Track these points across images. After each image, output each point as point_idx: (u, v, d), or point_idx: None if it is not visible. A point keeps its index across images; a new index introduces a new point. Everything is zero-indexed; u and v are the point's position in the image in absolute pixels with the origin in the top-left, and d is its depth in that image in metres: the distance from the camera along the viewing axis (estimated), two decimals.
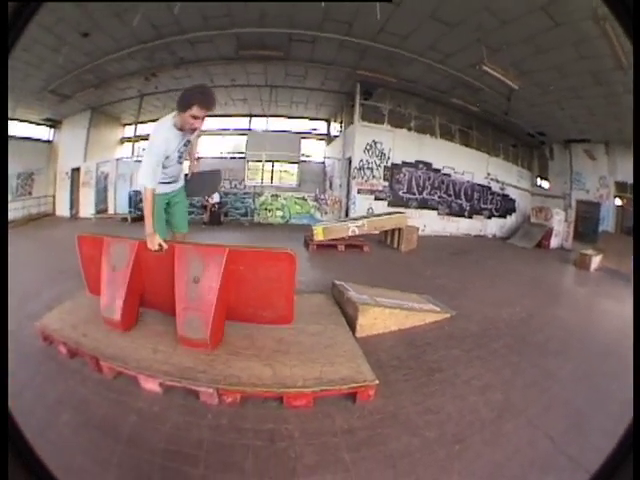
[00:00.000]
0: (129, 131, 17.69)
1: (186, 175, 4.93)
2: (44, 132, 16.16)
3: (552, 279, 10.87)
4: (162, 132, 4.18)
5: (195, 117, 4.02)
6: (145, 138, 16.46)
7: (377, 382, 3.57)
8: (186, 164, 4.90)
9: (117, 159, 16.48)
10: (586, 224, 17.40)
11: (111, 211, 15.28)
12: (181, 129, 4.19)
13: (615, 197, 17.08)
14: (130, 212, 14.49)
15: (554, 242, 17.07)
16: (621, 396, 3.56)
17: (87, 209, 15.37)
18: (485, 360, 4.63)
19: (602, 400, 3.87)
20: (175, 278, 3.94)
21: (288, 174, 18.74)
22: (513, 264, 12.33)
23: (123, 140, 17.86)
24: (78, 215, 15.72)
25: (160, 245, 4.09)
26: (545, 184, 20.27)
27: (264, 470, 2.73)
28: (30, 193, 15.21)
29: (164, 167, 4.30)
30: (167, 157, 4.24)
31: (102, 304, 4.23)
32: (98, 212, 15.13)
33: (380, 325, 5.06)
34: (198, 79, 14.98)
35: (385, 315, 5.12)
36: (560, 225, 17.66)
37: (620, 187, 17.12)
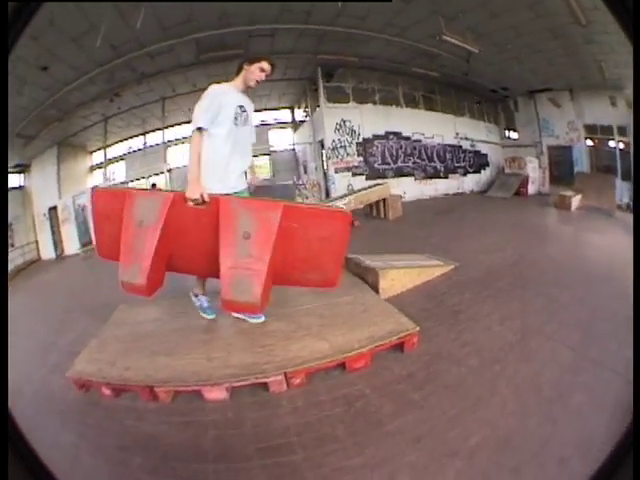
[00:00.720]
0: (97, 157, 17.04)
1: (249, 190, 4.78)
2: (15, 179, 15.86)
3: (535, 222, 11.68)
4: (217, 86, 4.22)
5: (262, 70, 4.27)
6: (114, 162, 16.86)
7: (418, 329, 4.08)
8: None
9: (92, 188, 15.96)
10: (560, 167, 17.92)
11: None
12: (244, 83, 4.33)
13: (586, 139, 17.50)
14: None
15: (531, 189, 17.61)
16: (620, 310, 4.22)
17: (72, 245, 14.73)
18: (495, 297, 5.31)
19: (605, 312, 4.52)
20: (220, 233, 3.63)
21: (261, 167, 18.40)
22: (495, 214, 13.50)
23: (93, 168, 17.14)
24: (64, 254, 15.28)
25: (202, 196, 3.77)
26: (514, 135, 20.72)
27: (355, 430, 3.02)
28: (12, 245, 14.38)
29: (218, 126, 4.09)
30: (221, 108, 4.07)
31: (122, 266, 3.86)
32: (84, 245, 14.39)
33: (398, 285, 5.60)
34: (160, 91, 15.51)
35: (401, 275, 5.67)
36: (535, 172, 18.20)
37: (589, 129, 17.55)
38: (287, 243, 3.68)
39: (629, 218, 8.90)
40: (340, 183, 15.35)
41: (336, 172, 15.80)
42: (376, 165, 16.88)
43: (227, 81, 4.40)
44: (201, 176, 3.93)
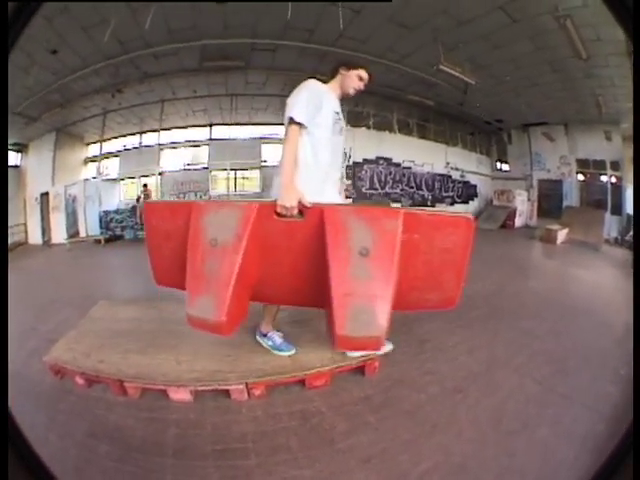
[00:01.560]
0: (93, 150, 17.04)
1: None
2: (12, 157, 15.83)
3: (519, 254, 11.69)
4: (318, 83, 3.78)
5: (361, 79, 3.96)
6: (108, 157, 16.83)
7: (381, 353, 3.94)
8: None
9: (84, 180, 16.11)
10: (549, 201, 18.03)
11: (83, 234, 14.85)
12: (341, 89, 3.98)
13: (577, 173, 17.73)
14: (102, 233, 14.44)
15: (518, 221, 17.63)
16: (599, 344, 4.47)
17: (59, 234, 14.81)
18: (466, 327, 5.21)
19: (580, 346, 4.58)
20: (329, 251, 2.83)
21: (250, 180, 18.46)
22: (479, 244, 12.29)
23: (87, 160, 17.00)
24: (51, 242, 15.01)
25: (300, 204, 3.05)
26: (505, 167, 20.86)
27: (308, 444, 3.08)
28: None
29: (317, 127, 3.58)
30: (321, 108, 3.61)
31: (190, 297, 3.10)
32: (71, 236, 14.65)
33: None
34: (161, 93, 15.50)
35: None
36: (523, 205, 18.27)
37: (581, 164, 17.79)
38: (407, 259, 2.96)
39: (616, 252, 9.21)
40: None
41: None
42: (364, 189, 16.96)
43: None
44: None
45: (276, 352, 4.01)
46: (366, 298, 2.77)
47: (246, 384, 3.57)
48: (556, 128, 18.47)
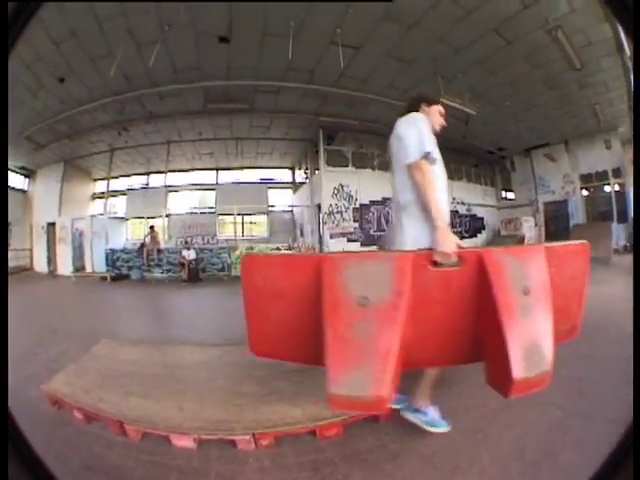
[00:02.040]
0: (100, 187, 17.96)
1: None
2: (19, 180, 16.19)
3: None
4: (422, 117, 3.34)
5: (442, 115, 3.63)
6: (116, 195, 17.62)
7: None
8: None
9: (91, 216, 16.58)
10: (557, 222, 18.13)
11: (89, 269, 15.20)
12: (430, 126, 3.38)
13: (581, 189, 17.95)
14: (108, 270, 14.53)
15: None
16: (615, 355, 4.31)
17: (65, 267, 15.26)
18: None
19: (598, 362, 4.50)
20: (497, 296, 2.53)
21: (258, 225, 19.11)
22: None
23: (95, 196, 18.09)
24: (56, 272, 15.63)
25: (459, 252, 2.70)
26: (510, 195, 21.17)
27: None
28: (9, 244, 14.80)
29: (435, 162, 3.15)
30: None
31: (334, 373, 2.44)
32: (76, 270, 15.03)
33: None
34: (167, 134, 15.83)
35: None
36: (531, 231, 18.27)
37: (585, 179, 18.05)
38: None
39: (625, 260, 8.84)
40: (334, 248, 15.06)
41: (331, 237, 15.74)
42: (371, 232, 16.82)
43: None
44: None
45: (430, 428, 3.48)
46: (535, 336, 2.58)
47: (253, 434, 3.38)
48: (557, 147, 18.68)
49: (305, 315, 2.64)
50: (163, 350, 5.26)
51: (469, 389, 4.27)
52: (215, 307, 10.29)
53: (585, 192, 17.86)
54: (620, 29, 10.03)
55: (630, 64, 11.25)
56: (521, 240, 17.46)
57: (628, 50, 10.90)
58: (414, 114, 3.35)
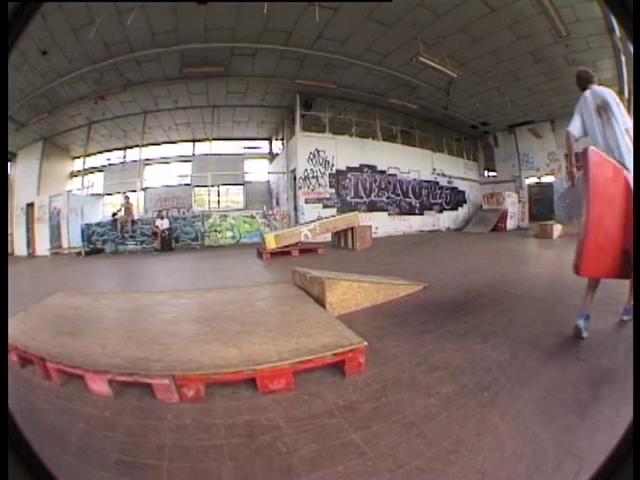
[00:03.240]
0: (79, 165, 16.90)
1: None
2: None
3: (516, 249, 10.69)
4: None
5: None
6: (94, 171, 16.70)
7: (366, 344, 2.85)
8: None
9: (68, 191, 15.46)
10: (540, 206, 17.12)
11: (65, 245, 14.17)
12: None
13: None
14: (84, 246, 13.61)
15: (510, 224, 16.86)
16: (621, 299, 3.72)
17: (43, 246, 14.28)
18: (475, 315, 4.10)
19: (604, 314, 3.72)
20: None
21: (234, 196, 18.18)
22: (473, 245, 12.08)
23: (73, 174, 17.00)
24: (35, 253, 14.60)
25: None
26: (492, 173, 20.34)
27: (249, 474, 1.91)
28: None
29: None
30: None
31: None
32: (53, 248, 14.08)
33: (351, 301, 4.39)
34: (143, 103, 14.91)
35: (354, 289, 4.43)
36: (514, 206, 17.55)
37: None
38: None
39: None
40: (310, 214, 14.02)
41: (306, 202, 14.80)
42: (348, 198, 15.86)
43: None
44: None
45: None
46: None
47: (174, 381, 2.55)
48: (542, 125, 17.72)
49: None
50: (111, 297, 5.08)
51: (462, 340, 3.42)
52: (180, 270, 9.59)
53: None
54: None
55: (620, 45, 10.72)
56: (504, 215, 16.83)
57: (619, 32, 10.28)
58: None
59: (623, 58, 11.04)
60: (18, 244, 14.92)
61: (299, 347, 2.83)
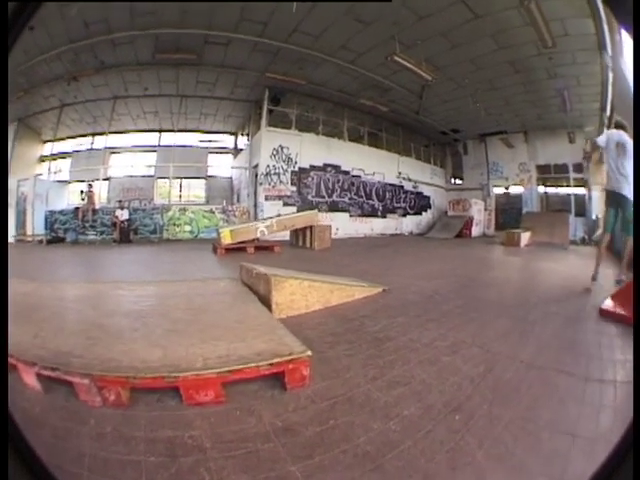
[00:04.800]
0: (48, 149, 16.23)
1: None
2: None
3: (482, 255, 10.47)
4: None
5: None
6: (62, 157, 16.13)
7: (309, 354, 2.42)
8: None
9: (35, 175, 14.89)
10: (507, 216, 17.07)
11: (29, 232, 13.64)
12: None
13: (538, 182, 17.00)
14: (46, 233, 13.13)
15: (475, 230, 16.68)
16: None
17: (9, 232, 13.20)
18: (441, 322, 3.69)
19: (585, 322, 3.72)
20: None
21: (196, 190, 17.72)
22: (436, 250, 11.78)
23: (42, 158, 16.25)
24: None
25: None
26: (461, 178, 20.20)
27: None
28: None
29: None
30: None
31: None
32: (18, 235, 13.43)
33: (301, 302, 3.93)
34: (114, 88, 14.39)
35: (304, 289, 3.97)
36: (480, 214, 17.40)
37: (542, 169, 16.99)
38: None
39: (584, 250, 8.54)
40: (269, 211, 13.54)
41: (266, 199, 14.38)
42: (309, 197, 15.44)
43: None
44: None
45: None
46: None
47: (92, 379, 2.19)
48: (515, 136, 17.59)
49: None
50: (58, 287, 4.72)
51: (428, 351, 3.00)
52: (131, 262, 9.24)
53: (542, 188, 17.02)
54: (605, 28, 9.43)
55: (611, 63, 10.43)
56: (469, 221, 16.62)
57: (610, 51, 9.97)
58: None
59: (610, 75, 10.84)
60: None
61: (229, 353, 2.41)
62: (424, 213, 19.58)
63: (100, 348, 2.57)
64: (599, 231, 9.12)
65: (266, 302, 3.69)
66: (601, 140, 5.35)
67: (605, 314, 3.64)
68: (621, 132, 5.17)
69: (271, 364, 2.28)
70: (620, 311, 3.52)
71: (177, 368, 2.21)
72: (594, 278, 5.16)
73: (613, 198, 5.23)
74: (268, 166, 14.63)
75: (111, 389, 2.20)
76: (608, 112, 12.52)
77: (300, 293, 3.90)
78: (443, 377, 2.45)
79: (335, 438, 1.81)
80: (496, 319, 3.83)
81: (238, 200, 16.77)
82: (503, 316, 3.93)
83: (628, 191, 5.02)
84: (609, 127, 10.95)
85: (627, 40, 8.40)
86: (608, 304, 3.79)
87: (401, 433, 1.84)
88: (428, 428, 1.88)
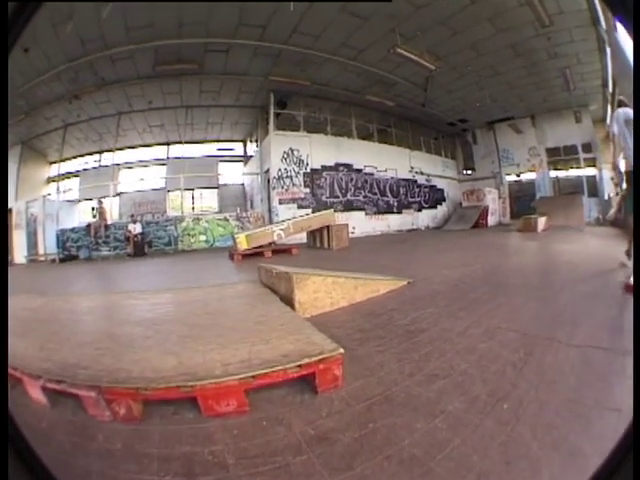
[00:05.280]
0: (55, 170, 16.27)
1: None
2: None
3: (501, 242, 10.24)
4: None
5: None
6: (69, 177, 16.29)
7: (342, 351, 2.17)
8: None
9: (44, 196, 14.89)
10: (521, 203, 16.71)
11: (41, 252, 13.65)
12: None
13: (549, 166, 16.74)
14: (59, 252, 13.06)
15: (491, 220, 16.41)
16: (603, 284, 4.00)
17: (21, 253, 13.56)
18: (471, 309, 3.48)
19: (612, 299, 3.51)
20: None
21: (209, 201, 17.87)
22: (455, 241, 11.59)
23: (50, 179, 16.33)
24: (14, 262, 13.62)
25: None
26: (473, 167, 19.90)
27: None
28: None
29: None
30: None
31: None
32: (30, 255, 13.48)
33: (325, 300, 3.70)
34: (118, 104, 14.35)
35: (328, 286, 3.74)
36: (495, 202, 17.14)
37: (552, 152, 16.70)
38: None
39: (600, 230, 8.42)
40: (284, 215, 13.32)
41: (280, 203, 14.17)
42: (324, 198, 15.20)
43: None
44: None
45: None
46: None
47: (100, 391, 1.99)
48: (522, 121, 17.30)
49: None
50: (70, 300, 4.69)
51: (462, 340, 2.79)
52: (147, 274, 9.07)
53: (554, 173, 16.73)
54: (596, 2, 9.22)
55: (606, 37, 10.20)
56: (484, 211, 16.32)
57: (604, 24, 9.72)
58: None
59: (608, 49, 10.58)
60: None
61: (252, 357, 2.18)
62: (439, 206, 19.34)
63: (109, 358, 2.40)
64: (612, 210, 9.35)
65: (288, 302, 3.48)
66: (613, 128, 5.02)
67: (630, 289, 3.47)
68: (626, 109, 4.93)
69: (300, 366, 2.06)
70: None
71: (194, 376, 2.00)
72: (628, 253, 4.79)
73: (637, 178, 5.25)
74: (280, 170, 14.44)
75: (121, 402, 2.01)
76: (610, 88, 12.31)
77: (324, 290, 3.70)
78: (483, 365, 2.26)
79: (376, 443, 1.60)
80: (526, 303, 3.65)
81: (252, 206, 16.72)
82: (532, 299, 3.77)
83: None
84: (612, 103, 11.41)
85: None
86: (632, 280, 3.62)
87: (448, 431, 1.65)
88: (476, 422, 1.69)
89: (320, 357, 2.09)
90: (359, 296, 3.95)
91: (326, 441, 1.63)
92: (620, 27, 8.83)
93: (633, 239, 3.11)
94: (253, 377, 1.98)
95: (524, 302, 3.66)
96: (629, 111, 4.81)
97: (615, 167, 5.21)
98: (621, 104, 5.10)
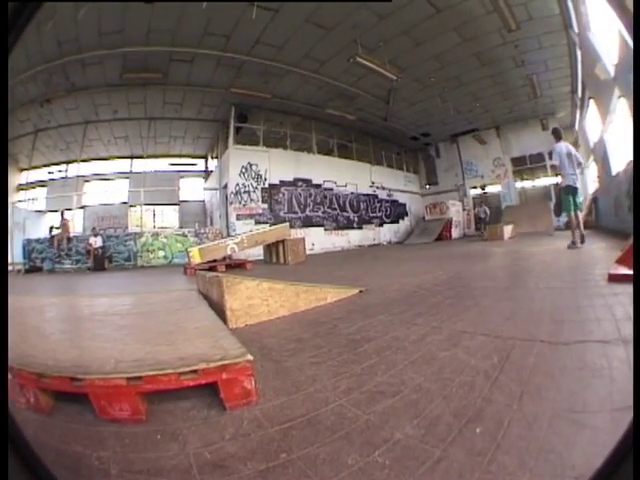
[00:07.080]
0: (25, 177, 16.26)
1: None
2: None
3: (466, 250, 9.93)
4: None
5: None
6: (36, 186, 16.24)
7: (250, 358, 1.73)
8: None
9: (13, 203, 14.63)
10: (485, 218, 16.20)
11: (9, 261, 13.02)
12: None
13: (515, 176, 16.99)
14: (24, 263, 12.78)
15: (455, 232, 16.32)
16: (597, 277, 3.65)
17: None
18: (431, 314, 3.05)
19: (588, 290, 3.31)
20: None
21: (169, 217, 17.78)
22: (417, 252, 11.21)
23: (20, 187, 16.23)
24: None
25: None
26: (436, 180, 20.01)
27: None
28: None
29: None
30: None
31: None
32: None
33: (261, 308, 3.28)
34: (85, 112, 14.29)
35: (264, 292, 3.32)
36: (459, 215, 17.08)
37: (517, 162, 16.85)
38: None
39: (569, 233, 7.88)
40: (242, 230, 12.94)
41: (238, 219, 13.88)
42: (282, 213, 14.94)
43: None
44: None
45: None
46: None
47: (14, 374, 1.86)
48: (487, 132, 17.35)
49: None
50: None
51: (415, 348, 2.33)
52: (99, 285, 8.81)
53: (519, 183, 17.17)
54: (570, 4, 9.12)
55: (577, 40, 10.06)
56: (448, 223, 16.28)
57: (577, 27, 9.56)
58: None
59: (579, 52, 10.47)
60: None
61: (146, 357, 1.81)
62: (401, 221, 19.21)
63: (26, 346, 2.21)
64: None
65: (220, 309, 3.07)
66: (555, 159, 7.22)
67: (613, 278, 3.39)
68: (566, 144, 7.29)
69: (195, 371, 1.63)
70: (627, 272, 3.33)
71: (86, 370, 1.72)
72: (573, 242, 6.84)
73: (569, 190, 7.09)
74: (237, 184, 14.18)
75: (29, 389, 1.82)
76: (580, 93, 12.28)
77: (259, 297, 3.29)
78: (445, 378, 1.72)
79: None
80: (496, 303, 3.27)
81: (211, 223, 16.40)
82: (504, 300, 3.37)
83: (576, 183, 7.15)
84: (582, 108, 11.95)
85: (592, 9, 8.29)
86: (615, 268, 3.55)
87: (394, 469, 1.12)
88: (437, 456, 1.13)
89: (220, 363, 1.67)
90: (303, 304, 3.56)
91: (221, 470, 1.22)
92: (593, 26, 8.27)
93: (633, 239, 3.06)
94: (139, 378, 1.63)
95: (493, 303, 3.30)
96: (569, 145, 7.29)
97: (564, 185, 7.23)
98: (558, 136, 7.33)
